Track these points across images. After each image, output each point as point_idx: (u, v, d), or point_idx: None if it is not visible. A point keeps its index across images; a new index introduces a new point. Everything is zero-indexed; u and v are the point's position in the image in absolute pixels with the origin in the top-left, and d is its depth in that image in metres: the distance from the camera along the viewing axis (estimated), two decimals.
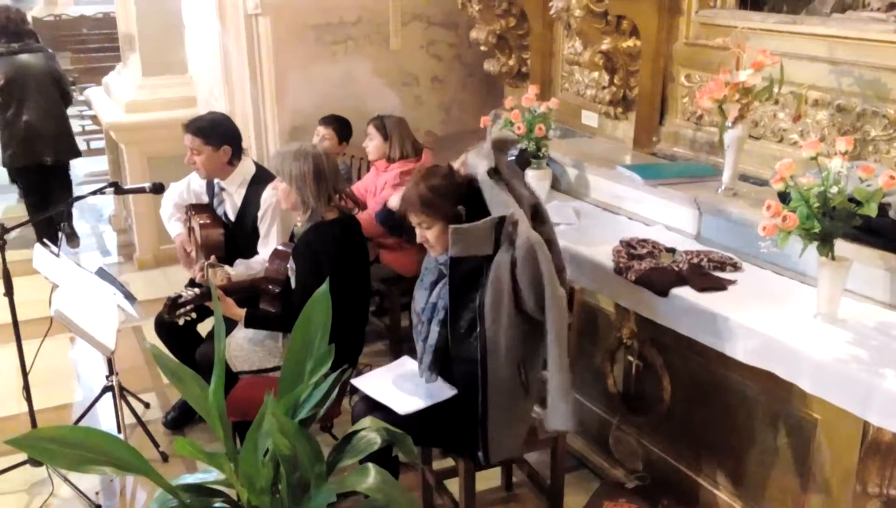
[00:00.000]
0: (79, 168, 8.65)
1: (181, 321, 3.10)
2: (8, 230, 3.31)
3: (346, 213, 3.31)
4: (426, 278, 2.81)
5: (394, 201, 2.94)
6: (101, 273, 3.67)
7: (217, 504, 2.19)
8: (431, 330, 2.72)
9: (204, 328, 3.68)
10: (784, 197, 2.48)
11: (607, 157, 3.74)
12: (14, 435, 2.11)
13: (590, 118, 4.10)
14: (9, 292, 3.30)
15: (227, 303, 3.11)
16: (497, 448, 2.66)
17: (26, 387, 3.42)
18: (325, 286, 2.35)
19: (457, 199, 2.62)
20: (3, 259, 3.25)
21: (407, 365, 2.93)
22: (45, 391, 4.11)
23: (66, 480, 3.42)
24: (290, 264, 3.23)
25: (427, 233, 2.65)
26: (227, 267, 3.55)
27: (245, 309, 3.17)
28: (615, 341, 3.18)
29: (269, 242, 3.68)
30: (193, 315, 3.11)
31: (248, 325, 3.18)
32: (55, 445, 2.03)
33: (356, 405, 2.83)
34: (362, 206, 4.28)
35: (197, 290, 3.11)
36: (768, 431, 2.61)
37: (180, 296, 3.05)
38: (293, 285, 3.20)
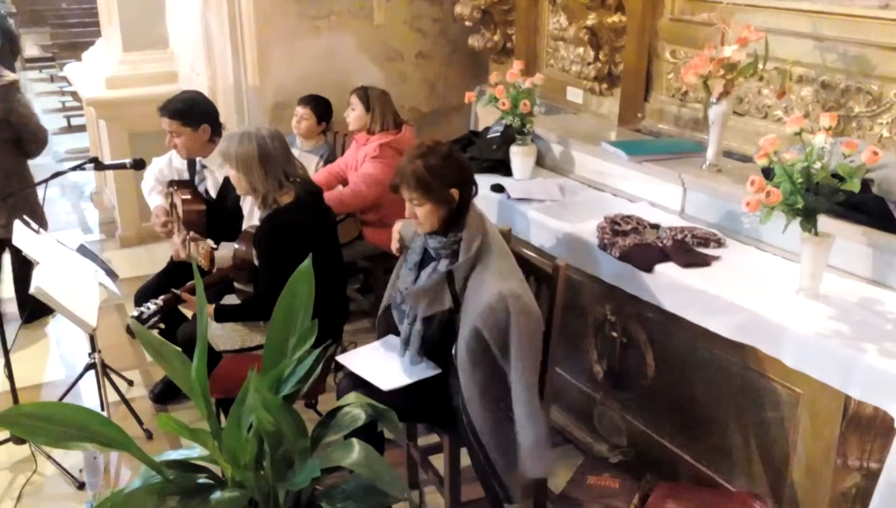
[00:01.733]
0: (59, 145, 8.57)
1: (154, 333, 3.09)
2: None
3: (306, 187, 3.18)
4: (410, 258, 2.80)
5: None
6: (83, 250, 3.63)
7: (201, 480, 2.19)
8: (417, 325, 2.71)
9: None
10: (768, 173, 2.49)
11: (592, 133, 3.74)
12: None
13: (575, 94, 4.09)
14: None
15: (193, 302, 3.09)
16: (514, 483, 2.63)
17: (8, 365, 3.41)
18: (307, 262, 2.34)
19: (452, 181, 2.59)
20: None
21: (392, 342, 2.92)
22: (28, 370, 4.09)
23: (49, 458, 3.41)
24: (254, 251, 3.19)
25: (417, 210, 2.63)
26: (209, 241, 3.52)
27: (214, 305, 3.14)
28: (599, 317, 3.19)
29: (252, 220, 3.65)
30: (161, 326, 3.10)
31: (218, 319, 3.15)
32: (37, 421, 2.01)
33: (341, 381, 2.82)
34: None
35: (159, 301, 3.11)
36: (751, 406, 2.63)
37: (142, 313, 3.06)
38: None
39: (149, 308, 3.06)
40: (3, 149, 4.17)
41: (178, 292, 3.14)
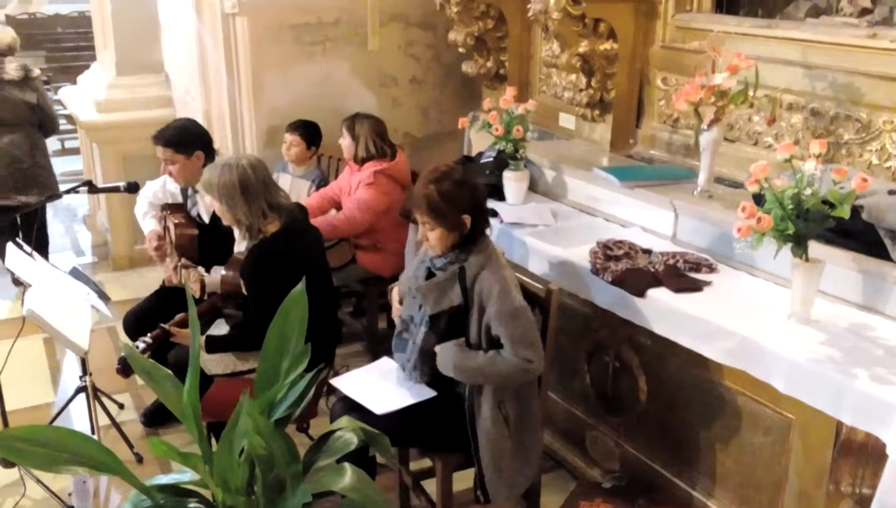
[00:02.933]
0: (55, 168, 8.55)
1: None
2: None
3: (290, 215, 3.16)
4: (413, 285, 2.80)
5: None
6: (75, 273, 3.63)
7: (192, 505, 2.17)
8: (420, 331, 2.72)
9: None
10: (759, 199, 2.51)
11: (584, 159, 3.76)
12: None
13: (567, 120, 4.12)
14: None
15: (182, 335, 3.10)
16: (494, 488, 2.70)
17: None
18: (300, 286, 2.34)
19: (464, 207, 2.61)
20: None
21: (385, 366, 2.92)
22: (18, 392, 4.06)
23: (38, 481, 3.37)
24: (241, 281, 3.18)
25: (429, 233, 2.65)
26: (200, 268, 3.53)
27: (205, 336, 3.14)
28: (592, 341, 3.19)
29: (243, 245, 3.65)
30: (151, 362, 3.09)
31: (209, 351, 3.13)
32: (27, 444, 2.00)
33: (334, 405, 2.82)
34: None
35: (148, 339, 3.11)
36: (743, 431, 2.63)
37: (137, 347, 3.06)
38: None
39: (138, 347, 3.06)
40: (32, 129, 5.33)
41: (166, 327, 3.14)
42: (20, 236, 4.92)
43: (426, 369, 2.73)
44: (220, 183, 3.05)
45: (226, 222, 3.19)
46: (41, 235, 5.43)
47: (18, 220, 5.23)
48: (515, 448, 2.70)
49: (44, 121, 5.37)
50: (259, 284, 3.05)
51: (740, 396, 2.62)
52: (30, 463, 2.06)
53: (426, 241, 2.69)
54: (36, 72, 5.37)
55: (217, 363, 3.16)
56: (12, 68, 5.20)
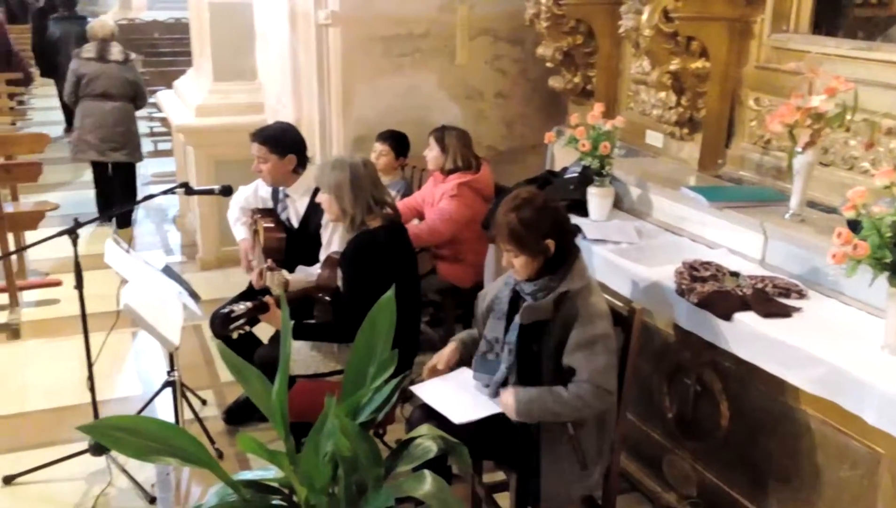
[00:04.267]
0: (146, 168, 8.90)
1: (235, 335, 3.18)
2: (81, 225, 3.43)
3: (391, 220, 3.31)
4: (498, 307, 2.82)
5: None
6: (168, 271, 3.76)
7: (275, 501, 2.23)
8: (506, 354, 2.74)
9: (260, 329, 3.75)
10: (854, 225, 2.44)
11: (671, 177, 3.72)
12: (77, 424, 2.19)
13: (654, 138, 4.09)
14: (79, 285, 3.41)
15: (276, 315, 3.16)
16: (547, 496, 2.69)
17: (91, 378, 3.52)
18: (390, 293, 2.38)
19: (546, 232, 2.61)
20: (76, 253, 3.37)
21: (463, 376, 2.94)
22: (107, 383, 4.24)
23: (123, 471, 3.50)
24: (339, 272, 3.26)
25: (514, 260, 2.66)
26: (284, 271, 3.62)
27: (293, 321, 3.21)
28: (673, 363, 3.15)
29: (331, 248, 3.74)
30: (247, 328, 3.17)
31: (296, 337, 3.20)
32: (125, 434, 2.08)
33: (413, 412, 2.85)
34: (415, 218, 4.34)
35: (249, 304, 3.17)
36: (829, 463, 2.56)
37: (232, 311, 3.14)
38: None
39: (240, 309, 3.13)
40: (128, 101, 6.70)
41: (267, 300, 3.21)
42: (112, 187, 6.94)
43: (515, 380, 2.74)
44: (332, 174, 3.21)
45: (330, 215, 3.31)
46: (129, 190, 7.01)
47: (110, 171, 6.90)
48: (570, 468, 2.70)
49: (137, 96, 6.77)
50: (357, 273, 3.14)
51: (826, 426, 2.55)
52: (125, 452, 2.14)
53: (511, 267, 2.70)
54: (133, 55, 6.84)
55: (300, 364, 3.24)
56: (116, 51, 6.61)
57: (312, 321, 3.36)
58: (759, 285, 2.85)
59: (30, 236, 5.39)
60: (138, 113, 6.98)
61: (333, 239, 3.76)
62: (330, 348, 3.29)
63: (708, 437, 3.02)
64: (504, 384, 2.74)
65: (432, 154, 4.33)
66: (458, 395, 2.81)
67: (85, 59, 6.62)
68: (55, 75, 9.62)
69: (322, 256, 3.76)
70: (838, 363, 2.41)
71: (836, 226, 2.44)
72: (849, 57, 3.09)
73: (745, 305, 2.74)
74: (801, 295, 2.83)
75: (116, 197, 6.87)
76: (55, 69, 9.44)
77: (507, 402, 2.65)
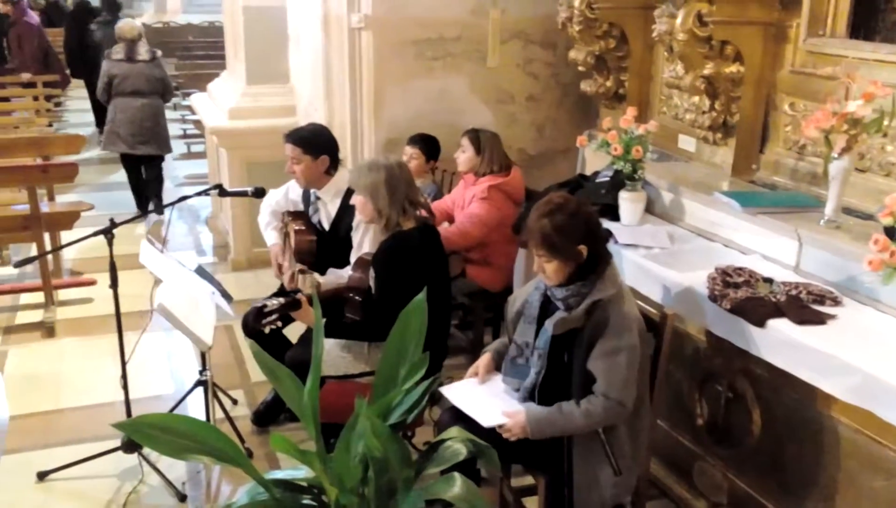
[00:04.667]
0: (179, 170, 9.01)
1: (267, 330, 3.19)
2: (117, 225, 3.48)
3: (425, 222, 3.33)
4: (528, 312, 2.82)
5: None
6: (201, 271, 3.80)
7: (305, 501, 2.25)
8: (538, 361, 2.74)
9: (289, 331, 3.78)
10: (891, 232, 2.42)
11: (704, 182, 3.70)
12: (110, 421, 2.22)
13: (687, 143, 4.06)
14: (114, 284, 3.46)
15: (308, 312, 3.17)
16: (581, 503, 2.68)
17: (124, 376, 3.57)
18: (422, 295, 2.39)
19: (578, 238, 2.61)
20: (111, 253, 3.42)
21: (494, 378, 2.94)
22: (140, 382, 4.29)
23: (155, 468, 3.54)
24: (371, 273, 3.28)
25: (546, 265, 2.66)
26: (316, 274, 3.65)
27: (325, 319, 3.23)
28: (704, 370, 3.13)
29: (362, 250, 3.75)
30: (279, 324, 3.19)
31: (327, 335, 3.22)
32: (160, 432, 2.11)
33: (442, 414, 2.86)
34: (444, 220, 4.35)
35: (282, 299, 3.18)
36: (862, 473, 2.53)
37: (265, 305, 3.15)
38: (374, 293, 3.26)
39: (273, 304, 3.14)
40: (157, 97, 7.16)
41: (299, 297, 3.23)
42: (145, 182, 7.40)
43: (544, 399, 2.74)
44: (368, 174, 3.24)
45: (365, 216, 3.33)
46: (157, 183, 7.49)
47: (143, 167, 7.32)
48: (605, 476, 2.68)
49: (165, 91, 7.28)
50: (389, 273, 3.16)
51: (860, 435, 2.52)
52: (159, 449, 2.18)
53: (542, 273, 2.70)
54: (159, 53, 7.31)
55: (330, 366, 3.26)
56: (144, 51, 7.06)
57: (343, 321, 3.37)
58: (794, 292, 2.82)
59: (65, 236, 5.48)
60: (170, 114, 7.26)
61: (364, 241, 3.78)
62: (360, 349, 3.31)
63: (739, 444, 2.99)
64: (533, 390, 2.74)
65: (465, 155, 4.34)
66: (488, 398, 2.81)
67: (115, 61, 7.03)
68: (92, 77, 9.81)
69: (353, 258, 3.77)
70: (874, 371, 2.37)
71: (872, 233, 2.41)
72: (886, 62, 3.05)
73: (778, 311, 2.71)
74: (836, 302, 2.80)
75: (150, 190, 7.42)
76: (94, 71, 9.65)
77: (520, 422, 2.64)
